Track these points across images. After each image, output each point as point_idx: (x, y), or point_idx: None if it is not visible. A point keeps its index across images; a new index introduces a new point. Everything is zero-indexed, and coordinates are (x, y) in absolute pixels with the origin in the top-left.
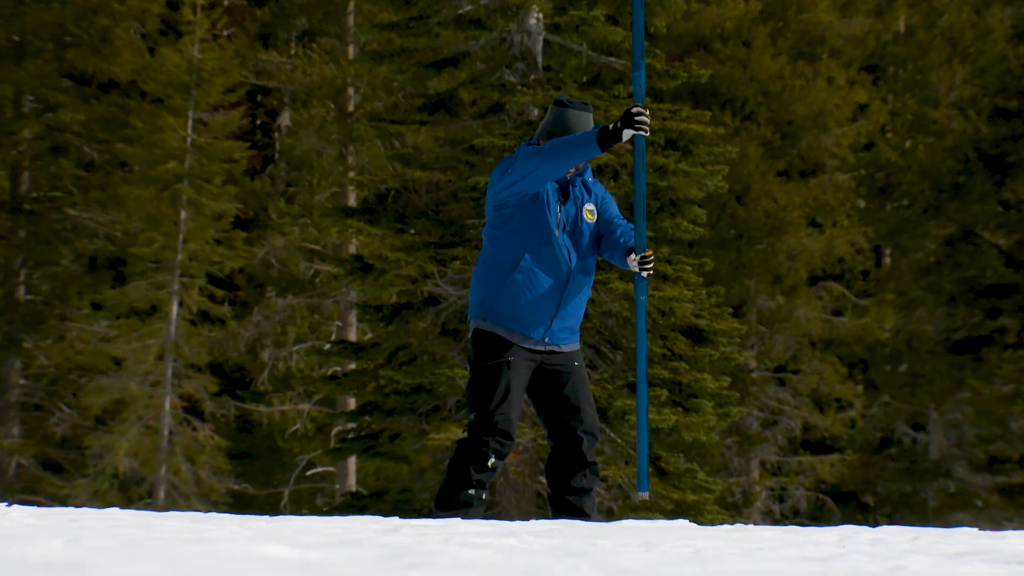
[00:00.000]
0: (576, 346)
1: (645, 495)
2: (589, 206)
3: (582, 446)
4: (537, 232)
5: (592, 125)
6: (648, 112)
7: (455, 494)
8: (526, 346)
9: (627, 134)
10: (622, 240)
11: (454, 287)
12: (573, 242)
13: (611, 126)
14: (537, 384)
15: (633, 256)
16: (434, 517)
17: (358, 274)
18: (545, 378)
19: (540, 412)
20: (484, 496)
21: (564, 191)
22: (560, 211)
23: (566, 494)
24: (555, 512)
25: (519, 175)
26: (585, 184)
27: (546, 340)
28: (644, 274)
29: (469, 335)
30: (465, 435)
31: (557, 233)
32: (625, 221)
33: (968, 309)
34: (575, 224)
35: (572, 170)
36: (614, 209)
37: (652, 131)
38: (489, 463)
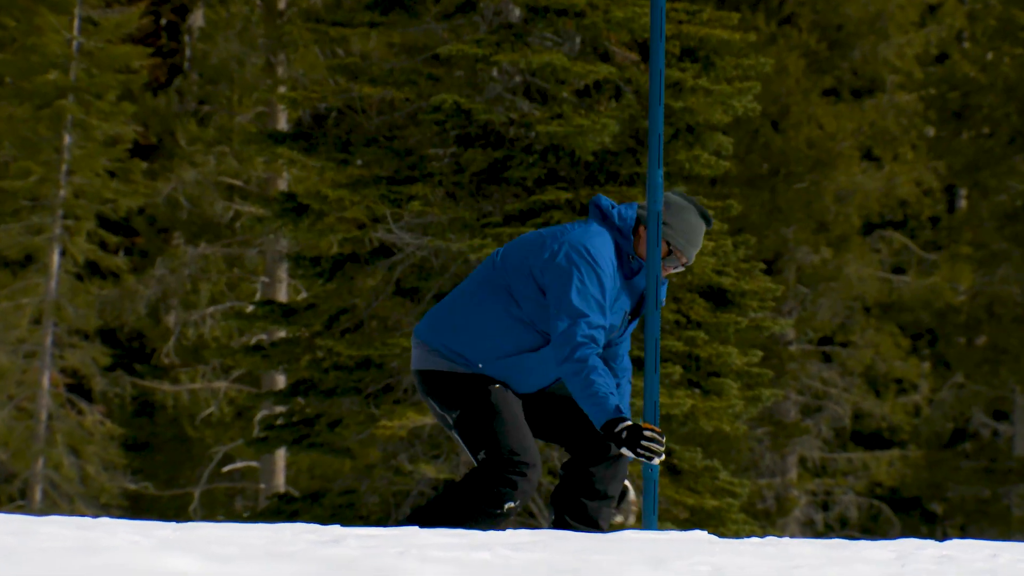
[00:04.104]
0: None
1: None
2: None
3: (594, 480)
4: None
5: (700, 244)
6: (664, 439)
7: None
8: None
9: (625, 451)
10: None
11: (411, 234)
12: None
13: (620, 427)
14: (534, 403)
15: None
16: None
17: (290, 216)
18: (542, 396)
19: (545, 437)
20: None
21: (629, 281)
22: (628, 307)
23: (576, 509)
24: (556, 523)
25: (561, 308)
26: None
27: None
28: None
29: (420, 380)
30: (483, 461)
31: (622, 331)
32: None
33: None
34: (630, 321)
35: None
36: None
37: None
38: (505, 507)
